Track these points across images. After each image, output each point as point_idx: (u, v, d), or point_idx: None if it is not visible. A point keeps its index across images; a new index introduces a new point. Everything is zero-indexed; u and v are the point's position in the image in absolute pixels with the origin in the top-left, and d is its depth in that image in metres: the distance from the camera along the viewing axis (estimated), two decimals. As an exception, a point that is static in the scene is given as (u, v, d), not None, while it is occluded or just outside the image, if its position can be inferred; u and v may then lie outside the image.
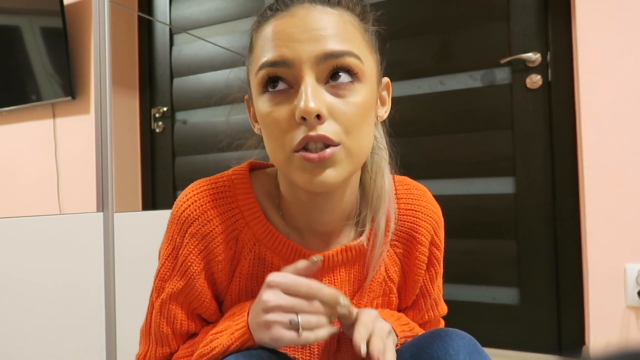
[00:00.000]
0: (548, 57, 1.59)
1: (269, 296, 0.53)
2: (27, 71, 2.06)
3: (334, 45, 0.52)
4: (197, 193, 0.62)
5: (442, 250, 0.71)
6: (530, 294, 1.62)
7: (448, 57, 1.73)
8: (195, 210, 0.61)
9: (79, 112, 2.05)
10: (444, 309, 0.76)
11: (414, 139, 1.77)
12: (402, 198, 0.67)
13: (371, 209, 0.64)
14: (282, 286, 0.53)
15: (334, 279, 0.65)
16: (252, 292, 0.64)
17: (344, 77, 0.53)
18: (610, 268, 1.41)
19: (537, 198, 1.61)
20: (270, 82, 0.54)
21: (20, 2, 2.06)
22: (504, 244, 1.66)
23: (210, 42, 2.12)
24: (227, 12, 2.17)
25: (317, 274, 0.63)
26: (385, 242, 0.65)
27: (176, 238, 0.62)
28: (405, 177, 0.70)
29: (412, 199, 0.67)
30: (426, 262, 0.69)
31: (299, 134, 0.52)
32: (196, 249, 0.61)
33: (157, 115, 2.29)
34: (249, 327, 0.56)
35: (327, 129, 0.52)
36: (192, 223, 0.61)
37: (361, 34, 0.57)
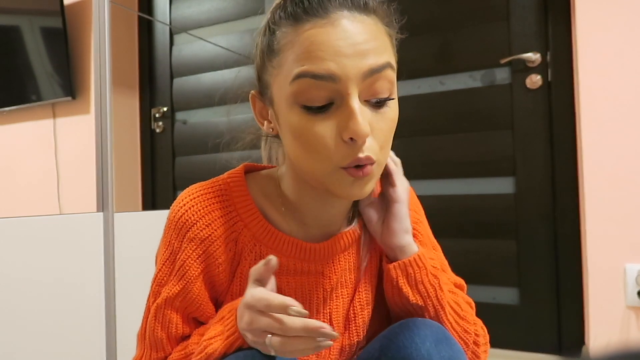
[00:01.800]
0: (548, 57, 1.59)
1: (246, 318, 0.53)
2: (27, 71, 2.06)
3: (376, 60, 0.53)
4: (194, 197, 0.62)
5: (422, 214, 0.74)
6: (530, 294, 1.62)
7: (448, 57, 1.73)
8: (193, 214, 0.61)
9: (79, 112, 2.05)
10: (455, 278, 0.76)
11: (414, 139, 1.77)
12: None
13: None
14: (255, 307, 0.52)
15: (334, 268, 0.66)
16: None
17: (384, 93, 0.54)
18: (610, 268, 1.41)
19: (537, 198, 1.61)
20: (309, 95, 0.52)
21: (20, 2, 2.06)
22: (504, 243, 1.66)
23: (210, 42, 2.13)
24: (227, 12, 2.17)
25: (319, 263, 0.65)
26: None
27: (174, 243, 0.62)
28: None
29: None
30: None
31: (347, 154, 0.53)
32: (195, 253, 0.61)
33: (157, 115, 2.29)
34: (239, 330, 0.56)
35: (369, 148, 0.53)
36: (190, 227, 0.61)
37: (390, 41, 0.57)
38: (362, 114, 0.52)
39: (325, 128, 0.53)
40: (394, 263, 0.64)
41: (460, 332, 0.66)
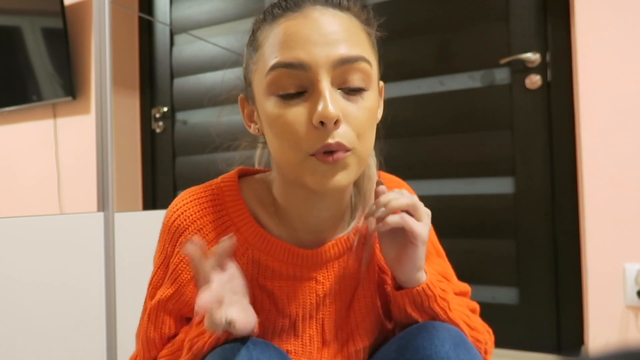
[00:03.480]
0: (547, 57, 1.59)
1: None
2: (28, 71, 2.07)
3: (349, 50, 0.53)
4: (187, 202, 0.64)
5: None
6: (529, 294, 1.62)
7: (448, 58, 1.74)
8: (185, 219, 0.63)
9: (79, 112, 2.05)
10: (459, 285, 0.75)
11: (414, 139, 1.77)
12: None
13: (363, 202, 0.66)
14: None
15: (328, 274, 0.65)
16: None
17: (357, 83, 0.54)
18: (609, 268, 1.41)
19: (537, 198, 1.62)
20: (282, 84, 0.54)
21: (21, 3, 2.06)
22: (504, 243, 1.66)
23: (210, 43, 2.13)
24: (227, 12, 2.17)
25: (312, 269, 0.64)
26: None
27: (167, 247, 0.64)
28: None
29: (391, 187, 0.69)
30: None
31: (317, 139, 0.52)
32: (187, 258, 0.62)
33: (157, 115, 2.29)
34: None
35: (341, 134, 0.53)
36: (182, 232, 0.63)
37: (367, 38, 0.58)
38: (332, 98, 0.52)
39: (297, 114, 0.53)
40: (400, 291, 0.63)
41: (474, 342, 0.65)
